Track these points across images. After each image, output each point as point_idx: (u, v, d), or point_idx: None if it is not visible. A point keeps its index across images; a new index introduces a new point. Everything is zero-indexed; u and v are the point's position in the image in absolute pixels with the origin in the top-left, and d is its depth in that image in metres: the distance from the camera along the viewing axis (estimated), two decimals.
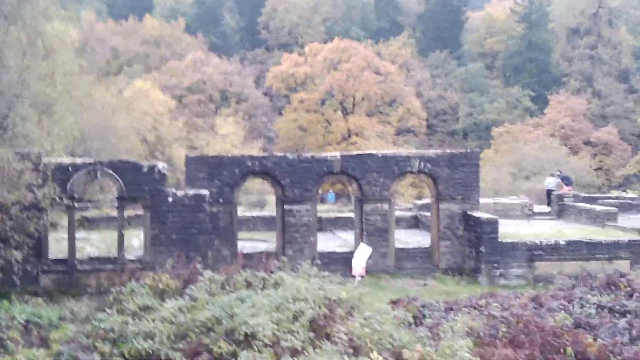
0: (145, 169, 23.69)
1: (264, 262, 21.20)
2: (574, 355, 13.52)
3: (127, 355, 14.04)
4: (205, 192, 24.42)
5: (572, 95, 78.15)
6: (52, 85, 28.29)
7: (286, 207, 26.69)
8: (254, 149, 59.19)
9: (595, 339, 14.85)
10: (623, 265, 25.73)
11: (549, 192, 39.21)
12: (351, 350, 13.19)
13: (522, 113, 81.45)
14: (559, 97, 76.71)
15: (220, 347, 13.85)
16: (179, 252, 22.59)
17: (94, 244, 27.90)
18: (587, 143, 72.32)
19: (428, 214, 31.45)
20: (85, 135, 39.39)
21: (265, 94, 79.26)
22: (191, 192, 24.26)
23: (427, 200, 35.50)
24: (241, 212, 33.34)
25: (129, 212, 29.85)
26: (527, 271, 26.15)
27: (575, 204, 36.06)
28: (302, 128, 70.19)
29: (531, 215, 36.80)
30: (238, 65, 79.84)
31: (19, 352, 13.77)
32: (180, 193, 24.12)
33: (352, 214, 31.90)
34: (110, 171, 23.50)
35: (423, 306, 18.62)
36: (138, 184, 23.59)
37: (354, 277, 24.79)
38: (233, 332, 14.40)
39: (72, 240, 23.57)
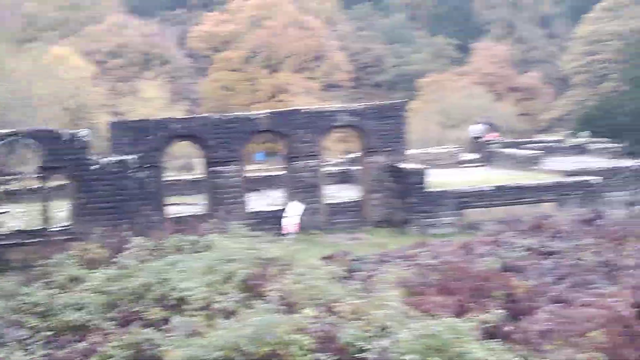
0: (66, 137, 23.08)
1: (193, 225, 21.02)
2: (503, 297, 13.79)
3: (57, 328, 13.76)
4: (131, 157, 23.93)
5: (495, 42, 79.01)
6: None
7: (214, 168, 26.39)
8: (180, 112, 58.19)
9: (523, 281, 15.18)
10: (548, 207, 26.32)
11: (475, 139, 39.76)
12: (285, 308, 13.18)
13: (448, 62, 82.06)
14: (482, 44, 77.48)
15: (152, 314, 13.69)
16: (107, 220, 22.20)
17: (18, 217, 27.15)
18: (511, 89, 73.40)
19: (357, 167, 31.53)
20: (3, 106, 38.15)
21: (189, 56, 77.86)
22: (116, 158, 23.76)
23: (356, 154, 35.56)
24: (169, 176, 32.84)
25: (54, 183, 29.12)
26: (456, 219, 26.53)
27: (501, 149, 36.66)
28: (227, 88, 69.17)
29: (459, 163, 37.27)
30: (159, 27, 78.10)
31: None
32: (104, 160, 23.62)
33: (282, 172, 31.77)
34: (30, 141, 22.80)
35: (355, 259, 18.72)
36: (60, 153, 22.97)
37: (285, 235, 24.83)
38: (165, 298, 14.26)
39: None
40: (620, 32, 65.87)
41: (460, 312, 12.73)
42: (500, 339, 11.05)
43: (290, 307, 13.43)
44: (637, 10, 65.24)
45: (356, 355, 10.64)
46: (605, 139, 40.76)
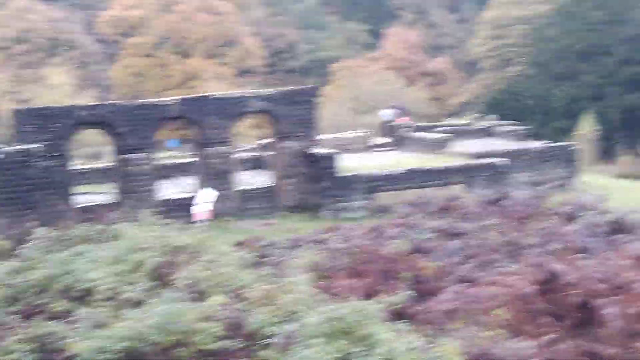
0: None
1: (102, 214, 20.62)
2: (411, 278, 14.03)
3: None
4: (36, 146, 23.26)
5: (406, 27, 79.95)
6: None
7: (124, 156, 25.90)
8: (90, 99, 56.84)
9: (431, 262, 15.48)
10: (457, 189, 26.85)
11: (386, 124, 40.18)
12: (194, 295, 13.07)
13: (360, 48, 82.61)
14: (394, 30, 78.27)
15: (57, 306, 13.37)
16: (11, 211, 21.55)
17: None
18: (422, 74, 74.46)
19: (270, 153, 31.44)
20: None
21: (99, 41, 76.01)
22: (20, 147, 23.05)
23: (269, 140, 35.46)
24: (78, 164, 32.08)
25: None
26: (368, 202, 26.80)
27: (412, 133, 37.17)
28: (139, 74, 67.96)
29: (371, 147, 37.62)
30: (66, 12, 75.94)
31: None
32: (8, 149, 22.88)
33: (193, 159, 31.43)
34: None
35: (268, 245, 18.75)
36: None
37: (196, 222, 24.59)
38: (70, 289, 13.94)
39: None
40: (525, 17, 67.59)
41: (369, 294, 12.88)
42: (406, 320, 11.23)
43: (199, 294, 13.33)
44: None
45: (264, 340, 10.65)
46: (512, 122, 41.82)
